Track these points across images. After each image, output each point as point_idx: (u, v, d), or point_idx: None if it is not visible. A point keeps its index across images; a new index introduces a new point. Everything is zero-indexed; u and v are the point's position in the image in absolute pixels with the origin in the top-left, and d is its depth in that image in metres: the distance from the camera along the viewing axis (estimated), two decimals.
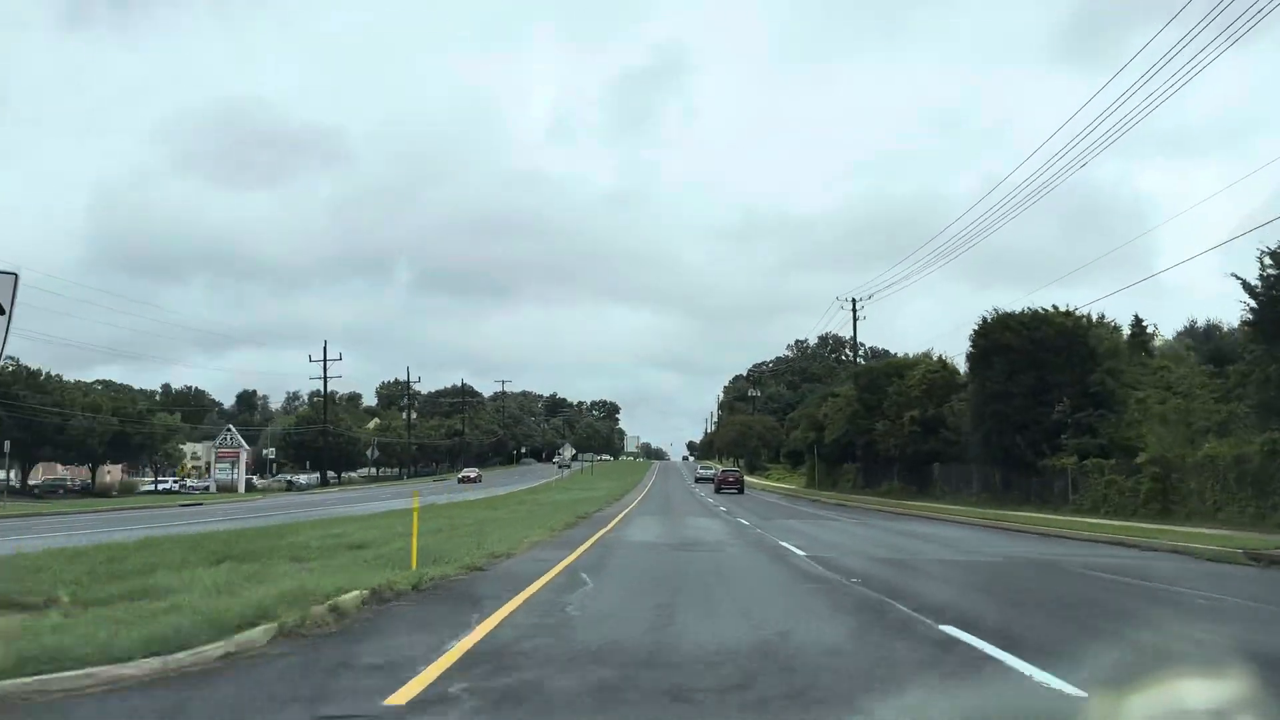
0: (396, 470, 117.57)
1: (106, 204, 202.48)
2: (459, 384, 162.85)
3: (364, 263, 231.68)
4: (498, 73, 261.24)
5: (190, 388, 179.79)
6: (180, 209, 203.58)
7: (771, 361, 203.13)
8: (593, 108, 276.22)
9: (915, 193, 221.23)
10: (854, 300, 61.79)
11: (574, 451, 79.63)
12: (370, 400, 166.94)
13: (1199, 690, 5.63)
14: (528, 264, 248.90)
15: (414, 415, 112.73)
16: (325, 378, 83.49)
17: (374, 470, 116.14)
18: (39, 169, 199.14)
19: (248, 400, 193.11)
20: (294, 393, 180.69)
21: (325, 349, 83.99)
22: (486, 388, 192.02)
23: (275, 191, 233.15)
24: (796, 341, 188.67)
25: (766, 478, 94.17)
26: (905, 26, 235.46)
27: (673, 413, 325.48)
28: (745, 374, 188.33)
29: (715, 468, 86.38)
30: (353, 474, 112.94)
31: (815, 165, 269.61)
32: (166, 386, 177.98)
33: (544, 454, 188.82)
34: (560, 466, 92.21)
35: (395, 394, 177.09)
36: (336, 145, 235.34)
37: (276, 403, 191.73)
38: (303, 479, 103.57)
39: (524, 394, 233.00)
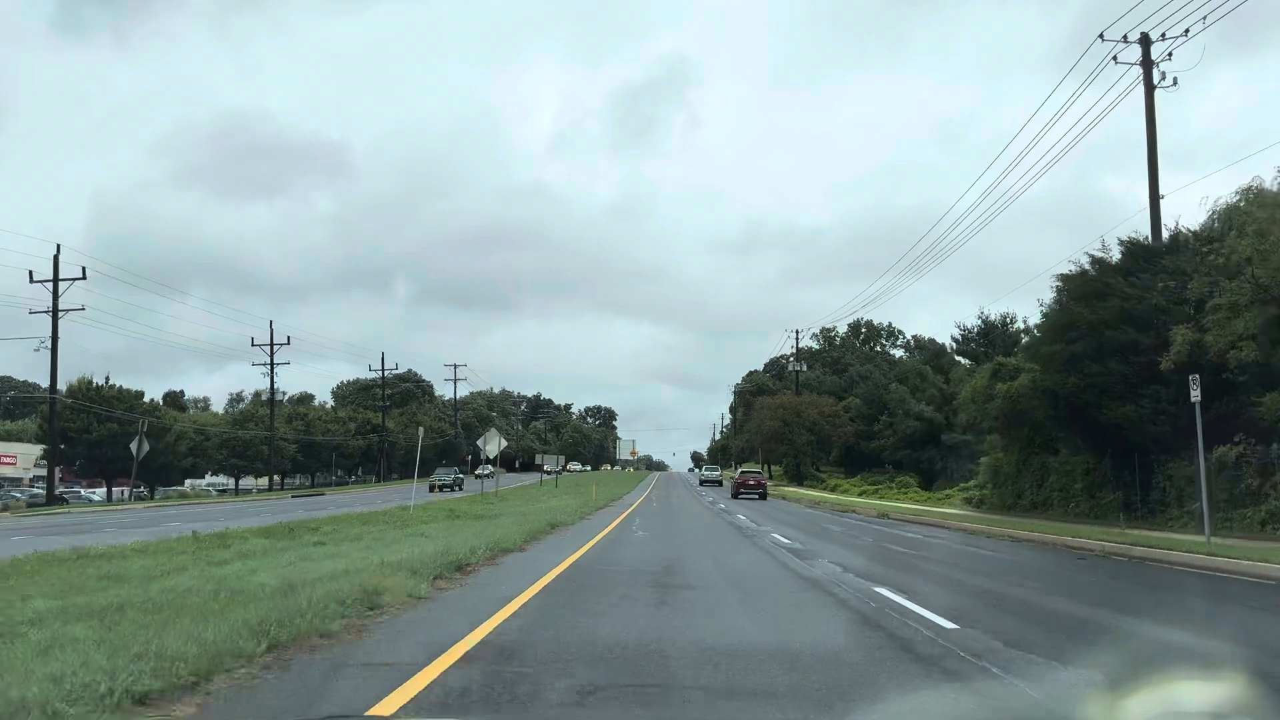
0: (271, 481, 79.83)
1: (107, 216, 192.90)
2: (402, 370, 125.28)
3: (366, 275, 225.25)
4: (501, 86, 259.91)
5: (114, 385, 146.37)
6: (181, 222, 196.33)
7: (792, 353, 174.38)
8: (595, 121, 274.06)
9: (918, 205, 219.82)
10: (1144, 40, 24.60)
11: (501, 443, 42.28)
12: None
13: None
14: (529, 277, 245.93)
15: (276, 400, 75.27)
16: (54, 311, 46.30)
17: (235, 481, 78.55)
18: (38, 181, 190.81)
19: (174, 400, 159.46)
20: (237, 393, 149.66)
21: (55, 259, 46.79)
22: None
23: (277, 204, 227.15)
24: (823, 330, 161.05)
25: (834, 490, 56.73)
26: (907, 40, 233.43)
27: (673, 427, 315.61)
28: (763, 367, 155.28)
29: (719, 470, 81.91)
30: (197, 484, 75.62)
31: (818, 177, 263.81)
32: (87, 383, 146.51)
33: (517, 462, 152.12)
34: (439, 488, 55.41)
35: (346, 392, 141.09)
36: (339, 159, 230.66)
37: (218, 406, 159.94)
38: (97, 494, 66.18)
39: (502, 393, 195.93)
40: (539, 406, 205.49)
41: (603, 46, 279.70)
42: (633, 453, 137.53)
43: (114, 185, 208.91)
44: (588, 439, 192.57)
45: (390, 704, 5.05)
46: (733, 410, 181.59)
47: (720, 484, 70.38)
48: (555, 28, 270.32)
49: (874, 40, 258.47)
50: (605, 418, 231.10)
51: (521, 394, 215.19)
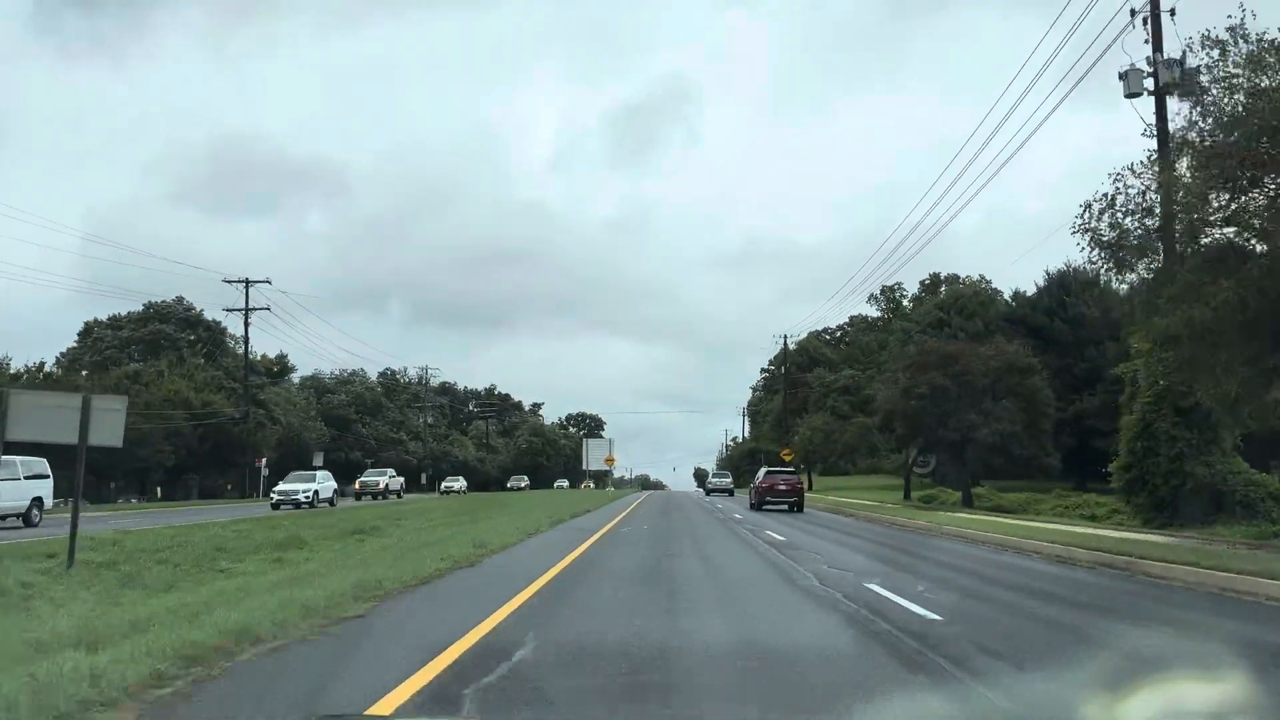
0: None
1: (101, 236, 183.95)
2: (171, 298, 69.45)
3: (362, 294, 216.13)
4: (500, 104, 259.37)
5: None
6: (176, 241, 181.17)
7: (842, 325, 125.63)
8: (594, 138, 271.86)
9: (917, 223, 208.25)
10: None
11: None
12: None
13: None
14: (527, 295, 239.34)
15: None
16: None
17: None
18: (33, 200, 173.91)
19: None
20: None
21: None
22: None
23: (274, 223, 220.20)
24: (884, 288, 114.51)
25: None
26: (907, 59, 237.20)
27: (669, 446, 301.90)
28: (793, 348, 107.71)
29: (730, 477, 72.84)
30: None
31: (818, 193, 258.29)
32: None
33: (438, 475, 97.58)
34: None
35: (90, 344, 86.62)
36: (337, 177, 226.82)
37: None
38: None
39: (443, 386, 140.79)
40: (490, 404, 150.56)
41: (602, 65, 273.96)
42: (608, 460, 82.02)
43: (108, 202, 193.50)
44: (553, 445, 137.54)
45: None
46: (747, 410, 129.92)
47: (731, 493, 63.22)
48: (554, 46, 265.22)
49: (873, 58, 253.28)
50: (591, 427, 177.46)
51: (475, 389, 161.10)
